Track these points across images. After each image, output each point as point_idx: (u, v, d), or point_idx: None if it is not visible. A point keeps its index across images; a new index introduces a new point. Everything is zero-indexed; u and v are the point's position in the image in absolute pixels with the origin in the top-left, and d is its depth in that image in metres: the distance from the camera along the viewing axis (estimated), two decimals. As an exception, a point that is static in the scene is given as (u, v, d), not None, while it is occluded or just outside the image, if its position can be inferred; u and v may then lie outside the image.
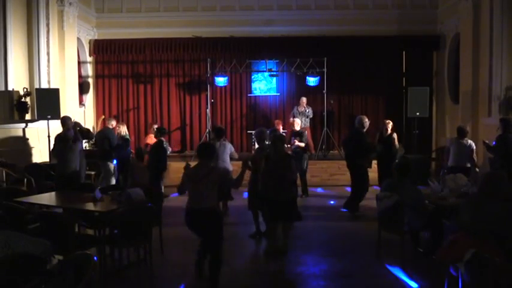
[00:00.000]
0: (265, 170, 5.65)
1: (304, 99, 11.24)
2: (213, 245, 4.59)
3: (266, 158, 5.69)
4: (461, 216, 4.10)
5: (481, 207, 3.91)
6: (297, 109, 11.14)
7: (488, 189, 4.01)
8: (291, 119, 10.44)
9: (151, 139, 9.12)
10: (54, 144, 7.51)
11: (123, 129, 9.00)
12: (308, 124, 11.20)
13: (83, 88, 12.10)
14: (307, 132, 10.96)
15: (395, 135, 8.14)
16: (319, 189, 9.96)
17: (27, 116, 8.81)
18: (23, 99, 8.65)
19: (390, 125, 8.19)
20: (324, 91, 11.22)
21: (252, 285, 4.84)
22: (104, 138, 8.41)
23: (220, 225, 4.59)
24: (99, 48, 12.38)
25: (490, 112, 9.23)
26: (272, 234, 5.74)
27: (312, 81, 11.29)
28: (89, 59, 12.46)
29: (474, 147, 7.43)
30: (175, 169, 9.03)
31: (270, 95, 12.60)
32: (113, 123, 8.83)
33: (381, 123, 8.56)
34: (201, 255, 4.81)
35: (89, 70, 12.53)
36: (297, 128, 9.42)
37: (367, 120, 7.78)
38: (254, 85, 12.56)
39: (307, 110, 11.13)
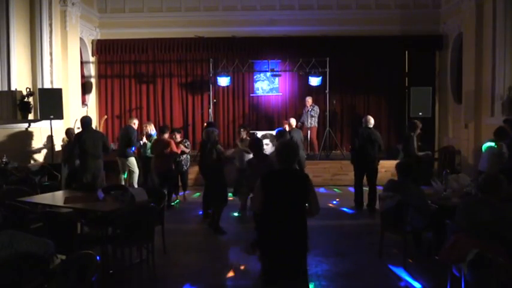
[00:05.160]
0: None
1: (308, 99, 11.27)
2: None
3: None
4: (457, 219, 4.10)
5: (480, 208, 3.90)
6: (304, 109, 11.18)
7: (487, 190, 4.00)
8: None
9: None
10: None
11: (150, 128, 9.13)
12: (314, 123, 11.22)
13: (85, 88, 12.12)
14: (310, 132, 11.06)
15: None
16: (321, 189, 9.94)
17: (30, 116, 8.83)
18: (26, 99, 8.67)
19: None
20: (327, 91, 11.21)
21: (253, 286, 4.83)
22: (125, 136, 8.67)
23: None
24: (102, 48, 12.42)
25: (493, 112, 9.20)
26: None
27: (314, 81, 11.29)
28: (92, 59, 12.49)
29: None
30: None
31: (272, 95, 12.59)
32: (135, 121, 9.00)
33: (402, 124, 8.29)
34: None
35: (92, 70, 12.55)
36: (290, 127, 9.60)
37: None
38: (256, 85, 12.55)
39: (310, 109, 11.15)
